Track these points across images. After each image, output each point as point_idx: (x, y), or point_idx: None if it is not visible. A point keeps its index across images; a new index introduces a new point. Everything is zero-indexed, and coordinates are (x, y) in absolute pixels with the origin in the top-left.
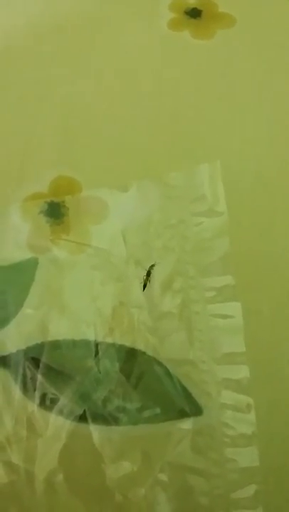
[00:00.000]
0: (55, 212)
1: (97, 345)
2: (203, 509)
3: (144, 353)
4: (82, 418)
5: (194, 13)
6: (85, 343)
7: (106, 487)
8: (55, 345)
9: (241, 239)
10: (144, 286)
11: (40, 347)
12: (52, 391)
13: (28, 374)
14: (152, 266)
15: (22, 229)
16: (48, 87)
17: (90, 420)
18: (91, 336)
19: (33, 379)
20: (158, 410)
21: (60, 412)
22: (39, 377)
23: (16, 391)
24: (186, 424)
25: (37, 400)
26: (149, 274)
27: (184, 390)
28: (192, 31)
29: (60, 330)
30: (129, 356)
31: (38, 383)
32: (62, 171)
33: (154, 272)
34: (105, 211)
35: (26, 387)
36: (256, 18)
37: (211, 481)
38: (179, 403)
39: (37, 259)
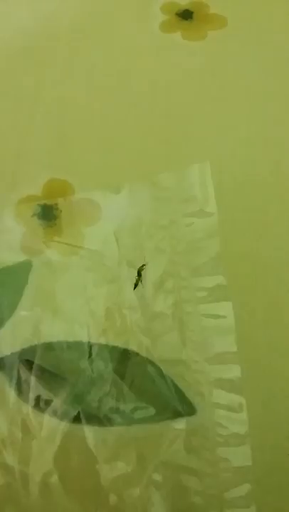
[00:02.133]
0: (48, 214)
1: (90, 346)
2: (197, 508)
3: (137, 353)
4: (77, 419)
5: (186, 15)
6: (79, 344)
7: (101, 487)
8: (49, 347)
9: (233, 239)
10: (135, 286)
11: (33, 349)
12: (46, 393)
13: (23, 376)
14: (142, 266)
15: (15, 232)
16: (40, 90)
17: (84, 421)
18: (84, 338)
19: (27, 381)
20: (152, 411)
21: (55, 414)
22: (33, 379)
23: (11, 393)
24: (180, 424)
25: (31, 402)
26: (139, 274)
27: (177, 390)
28: (184, 33)
29: (54, 332)
30: (123, 357)
31: (32, 385)
32: (55, 174)
33: (146, 273)
34: (98, 213)
35: (21, 389)
36: (247, 19)
37: (204, 481)
38: (173, 403)
39: (30, 262)
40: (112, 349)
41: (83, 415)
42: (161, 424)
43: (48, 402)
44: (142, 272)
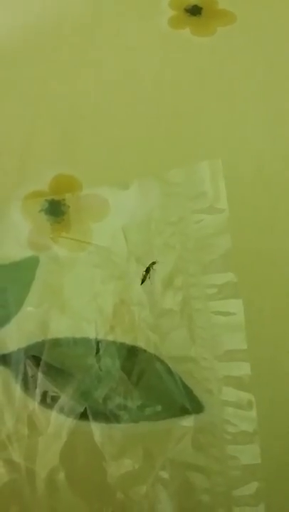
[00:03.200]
0: (55, 210)
1: (98, 343)
2: (205, 506)
3: (145, 350)
4: (83, 416)
5: (195, 11)
6: (86, 340)
7: (107, 485)
8: (56, 343)
9: (242, 236)
10: (142, 281)
11: (40, 345)
12: (53, 389)
13: (29, 372)
14: (152, 263)
15: (23, 227)
16: (47, 86)
17: (91, 418)
18: (92, 334)
19: (34, 377)
20: (159, 408)
21: (61, 410)
22: (40, 375)
23: (17, 389)
24: (188, 422)
25: (38, 398)
26: (148, 270)
27: (185, 387)
28: (193, 29)
29: (61, 328)
30: (130, 354)
31: (38, 381)
32: (63, 169)
33: (155, 270)
34: (106, 209)
35: (27, 386)
36: (256, 15)
37: (212, 479)
38: (180, 400)
39: (38, 258)
40: (120, 346)
41: (90, 412)
42: (169, 421)
43: (54, 399)
44: (151, 269)
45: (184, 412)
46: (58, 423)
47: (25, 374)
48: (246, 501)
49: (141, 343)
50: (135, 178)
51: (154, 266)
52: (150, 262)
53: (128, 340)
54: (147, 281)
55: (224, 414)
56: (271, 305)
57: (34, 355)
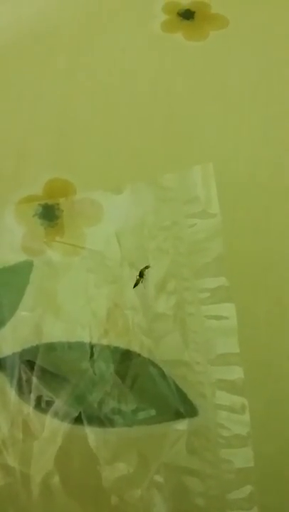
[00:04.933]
0: (49, 214)
1: (92, 347)
2: (199, 510)
3: (139, 354)
4: (78, 420)
5: (187, 15)
6: (80, 345)
7: (102, 489)
8: (50, 347)
9: (235, 240)
10: (135, 285)
11: (35, 349)
12: (47, 393)
13: (24, 377)
14: (146, 268)
15: (16, 232)
16: (42, 90)
17: (85, 422)
18: (86, 338)
19: (29, 382)
20: (153, 412)
21: (56, 415)
22: (34, 379)
23: (12, 394)
24: (182, 425)
25: (32, 403)
26: (141, 274)
27: (179, 391)
28: (185, 33)
29: (55, 332)
30: (124, 358)
31: (33, 386)
32: (57, 174)
33: (149, 274)
34: (100, 213)
35: (22, 390)
36: (249, 19)
37: (206, 482)
38: (174, 404)
39: (32, 262)
40: (114, 350)
41: (84, 416)
42: (163, 425)
43: (49, 403)
44: (144, 273)
45: (178, 415)
46: (52, 427)
47: (20, 379)
48: (240, 505)
49: (135, 347)
50: (128, 183)
51: (148, 270)
52: (143, 267)
53: (122, 345)
54: (140, 285)
55: (218, 418)
56: (264, 309)
57: (28, 359)
